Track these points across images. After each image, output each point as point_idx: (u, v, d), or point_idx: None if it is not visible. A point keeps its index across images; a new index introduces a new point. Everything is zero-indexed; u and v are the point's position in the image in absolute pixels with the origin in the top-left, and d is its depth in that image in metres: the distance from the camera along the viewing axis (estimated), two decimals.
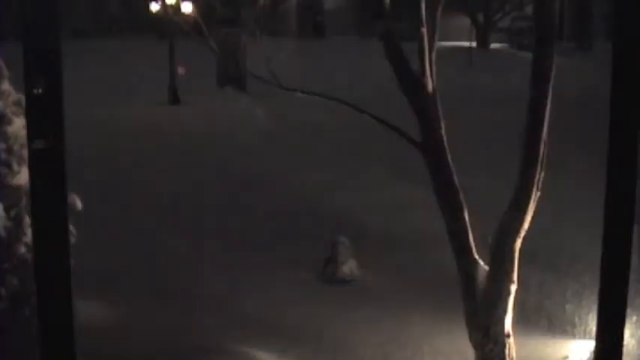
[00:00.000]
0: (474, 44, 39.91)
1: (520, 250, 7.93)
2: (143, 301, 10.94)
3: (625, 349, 3.28)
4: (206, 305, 10.82)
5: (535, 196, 7.80)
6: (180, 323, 10.26)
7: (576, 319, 10.11)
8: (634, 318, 9.13)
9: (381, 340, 9.85)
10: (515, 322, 8.10)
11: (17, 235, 8.36)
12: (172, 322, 10.30)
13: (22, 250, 8.31)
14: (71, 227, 7.91)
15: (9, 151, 8.51)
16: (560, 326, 10.07)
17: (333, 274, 11.97)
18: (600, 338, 2.52)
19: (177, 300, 10.97)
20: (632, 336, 9.07)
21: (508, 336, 8.05)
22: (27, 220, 8.30)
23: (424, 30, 7.96)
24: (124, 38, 37.25)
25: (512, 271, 7.93)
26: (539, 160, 7.71)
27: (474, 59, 36.03)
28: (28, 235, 8.12)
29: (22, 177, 8.29)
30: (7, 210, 8.35)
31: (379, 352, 9.56)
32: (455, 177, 8.06)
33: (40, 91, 2.20)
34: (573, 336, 9.82)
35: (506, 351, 8.03)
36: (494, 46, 41.60)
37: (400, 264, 12.39)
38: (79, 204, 8.91)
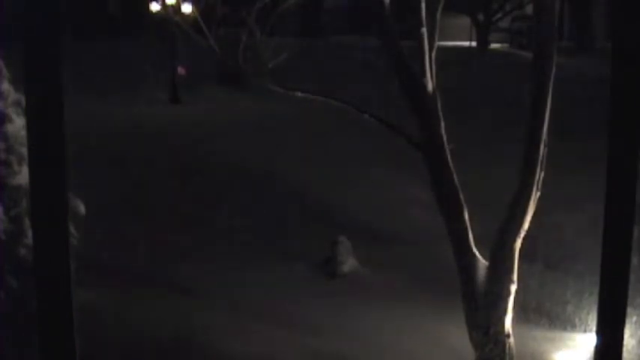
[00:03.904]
0: (474, 44, 39.87)
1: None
2: (144, 294, 11.01)
3: (625, 349, 3.30)
4: (206, 295, 10.96)
5: (535, 195, 7.80)
6: (179, 313, 10.35)
7: None
8: (634, 318, 9.14)
9: (380, 332, 9.88)
10: None
11: (17, 237, 8.35)
12: (172, 312, 10.42)
13: (23, 251, 8.29)
14: (72, 229, 7.92)
15: (9, 150, 8.51)
16: None
17: (333, 272, 12.01)
18: (600, 338, 2.52)
19: (179, 293, 11.07)
20: (632, 336, 9.07)
21: (508, 336, 8.05)
22: (27, 221, 8.29)
23: (424, 30, 7.97)
24: (124, 38, 37.25)
25: (512, 271, 7.94)
26: (539, 160, 7.71)
27: (474, 59, 36.02)
28: (29, 237, 8.11)
29: (22, 177, 8.28)
30: (7, 210, 8.35)
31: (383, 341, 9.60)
32: (455, 176, 8.06)
33: (40, 91, 2.19)
34: None
35: (507, 351, 8.04)
36: (494, 46, 41.56)
37: (400, 261, 12.41)
38: (82, 209, 8.92)
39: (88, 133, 19.08)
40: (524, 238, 7.93)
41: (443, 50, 8.64)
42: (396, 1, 8.17)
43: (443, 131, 8.05)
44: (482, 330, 7.97)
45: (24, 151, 8.08)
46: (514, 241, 7.86)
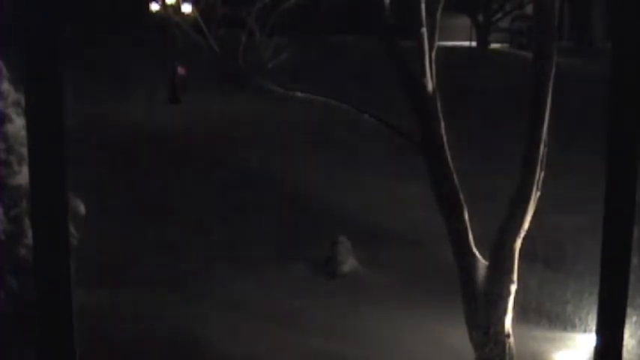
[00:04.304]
0: (474, 44, 39.85)
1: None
2: (144, 294, 11.02)
3: (625, 349, 3.30)
4: (206, 295, 10.98)
5: (535, 195, 7.80)
6: (179, 313, 10.36)
7: None
8: (634, 318, 9.14)
9: (380, 329, 9.88)
10: None
11: (17, 237, 8.34)
12: (172, 312, 10.42)
13: (23, 251, 8.28)
14: (72, 229, 7.91)
15: (9, 150, 8.50)
16: None
17: (333, 272, 12.01)
18: (600, 338, 2.52)
19: (179, 293, 11.09)
20: (632, 336, 9.07)
21: (508, 336, 8.04)
22: (27, 221, 8.29)
23: (424, 30, 7.97)
24: (124, 38, 37.26)
25: (512, 271, 7.93)
26: (539, 159, 7.71)
27: (473, 59, 36.04)
28: (29, 237, 8.11)
29: (22, 177, 8.28)
30: (7, 210, 8.34)
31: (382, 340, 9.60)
32: (455, 176, 8.06)
33: (40, 91, 2.19)
34: None
35: (507, 351, 8.03)
36: (494, 46, 41.56)
37: (400, 261, 12.41)
38: (82, 209, 8.92)
39: (88, 133, 19.09)
40: (524, 238, 7.93)
41: (443, 50, 8.64)
42: (396, 1, 8.16)
43: (443, 131, 8.05)
44: (483, 330, 7.97)
45: (24, 151, 8.08)
46: (514, 241, 7.85)
